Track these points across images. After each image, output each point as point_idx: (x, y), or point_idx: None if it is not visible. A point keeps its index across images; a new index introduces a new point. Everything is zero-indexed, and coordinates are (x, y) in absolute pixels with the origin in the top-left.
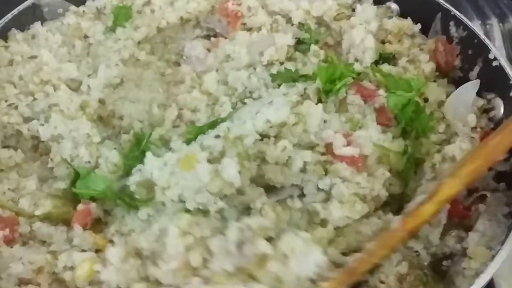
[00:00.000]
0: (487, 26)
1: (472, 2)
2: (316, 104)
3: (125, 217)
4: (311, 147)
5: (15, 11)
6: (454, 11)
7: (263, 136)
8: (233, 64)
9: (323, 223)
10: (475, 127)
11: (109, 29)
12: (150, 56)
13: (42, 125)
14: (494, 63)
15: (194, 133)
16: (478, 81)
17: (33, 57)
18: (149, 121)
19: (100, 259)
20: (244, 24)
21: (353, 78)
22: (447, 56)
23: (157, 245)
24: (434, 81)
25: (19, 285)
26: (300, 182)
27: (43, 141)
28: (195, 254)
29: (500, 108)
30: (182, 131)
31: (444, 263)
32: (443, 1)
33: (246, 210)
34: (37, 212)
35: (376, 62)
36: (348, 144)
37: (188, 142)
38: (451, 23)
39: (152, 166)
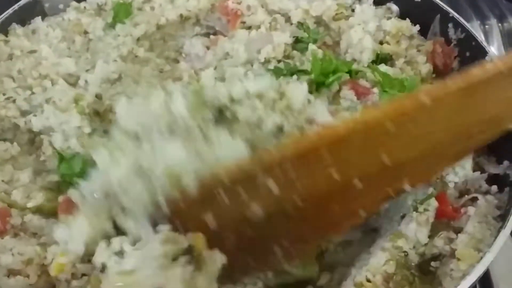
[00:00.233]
0: (486, 26)
1: (471, 2)
2: None
3: None
4: None
5: (16, 6)
6: (453, 13)
7: None
8: (231, 62)
9: None
10: None
11: (109, 25)
12: (149, 53)
13: (36, 115)
14: None
15: None
16: None
17: (33, 51)
18: None
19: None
20: (243, 22)
21: (350, 76)
22: (445, 58)
23: None
24: (431, 83)
25: (8, 276)
26: None
27: (39, 135)
28: None
29: None
30: None
31: (432, 264)
32: (442, 3)
33: None
34: (29, 205)
35: (374, 63)
36: None
37: None
38: (450, 25)
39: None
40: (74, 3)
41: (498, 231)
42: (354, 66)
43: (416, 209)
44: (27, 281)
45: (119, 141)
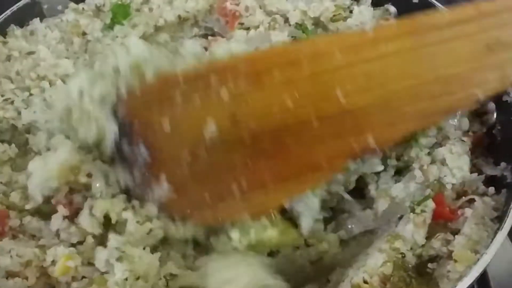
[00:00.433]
0: None
1: (470, 3)
2: None
3: None
4: None
5: (14, 8)
6: None
7: None
8: None
9: None
10: (468, 131)
11: (107, 26)
12: None
13: (25, 108)
14: None
15: None
16: None
17: (31, 53)
18: None
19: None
20: (242, 23)
21: None
22: None
23: None
24: None
25: (6, 278)
26: None
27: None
28: None
29: (493, 112)
30: None
31: (429, 265)
32: (439, 4)
33: None
34: (28, 206)
35: None
36: None
37: None
38: None
39: None
40: (73, 5)
41: (495, 233)
42: None
43: (413, 210)
44: (26, 283)
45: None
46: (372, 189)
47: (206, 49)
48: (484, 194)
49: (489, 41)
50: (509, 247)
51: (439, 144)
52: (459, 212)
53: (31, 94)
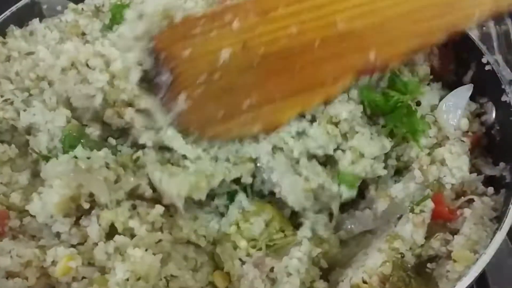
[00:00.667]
0: (483, 28)
1: None
2: None
3: None
4: None
5: (14, 8)
6: None
7: None
8: None
9: None
10: (467, 131)
11: (106, 27)
12: None
13: (25, 110)
14: (487, 68)
15: None
16: (471, 85)
17: (30, 53)
18: None
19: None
20: None
21: None
22: (442, 59)
23: None
24: (428, 84)
25: (6, 278)
26: None
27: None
28: None
29: (492, 113)
30: None
31: (429, 265)
32: None
33: None
34: (28, 207)
35: None
36: None
37: None
38: None
39: None
40: (72, 5)
41: (494, 233)
42: None
43: (412, 210)
44: (26, 283)
45: None
46: (371, 189)
47: None
48: (483, 194)
49: None
50: (508, 247)
51: (438, 145)
52: (458, 212)
53: (30, 95)
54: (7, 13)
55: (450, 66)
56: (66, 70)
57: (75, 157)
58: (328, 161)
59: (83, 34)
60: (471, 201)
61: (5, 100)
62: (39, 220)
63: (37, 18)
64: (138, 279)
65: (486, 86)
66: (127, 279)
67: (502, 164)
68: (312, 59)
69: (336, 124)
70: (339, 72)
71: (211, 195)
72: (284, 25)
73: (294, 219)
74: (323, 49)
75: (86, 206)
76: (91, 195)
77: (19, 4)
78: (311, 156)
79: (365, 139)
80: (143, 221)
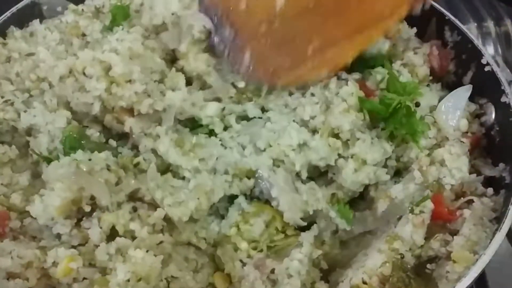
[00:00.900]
0: (483, 28)
1: (468, 4)
2: None
3: None
4: None
5: (14, 9)
6: (449, 15)
7: None
8: None
9: None
10: (466, 132)
11: (106, 27)
12: None
13: (25, 111)
14: (487, 68)
15: None
16: (470, 86)
17: (31, 54)
18: None
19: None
20: None
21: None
22: (441, 60)
23: None
24: (428, 85)
25: (7, 279)
26: None
27: (28, 136)
28: None
29: (491, 114)
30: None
31: (428, 266)
32: (438, 6)
33: None
34: (28, 208)
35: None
36: None
37: None
38: (446, 27)
39: None
40: (72, 6)
41: (494, 234)
42: None
43: (412, 211)
44: (27, 284)
45: None
46: (371, 190)
47: None
48: (482, 195)
49: None
50: (507, 247)
51: (438, 145)
52: (458, 213)
53: (31, 96)
54: (8, 14)
55: (449, 67)
56: (64, 78)
57: (76, 159)
58: (329, 170)
59: (84, 35)
60: (470, 202)
61: (6, 101)
62: (40, 222)
63: (37, 19)
64: (139, 280)
65: (485, 87)
66: (128, 280)
67: (501, 165)
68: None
69: (338, 135)
70: (395, 3)
71: None
72: None
73: None
74: None
75: (88, 209)
76: (92, 197)
77: (19, 5)
78: (312, 169)
79: (366, 145)
80: (144, 223)
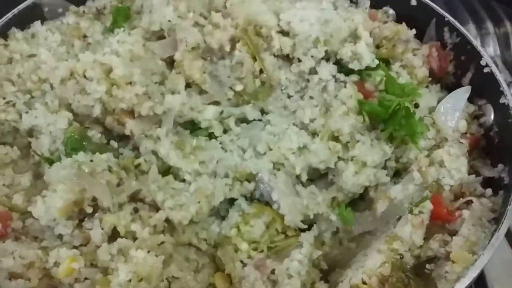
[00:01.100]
0: (483, 30)
1: (467, 6)
2: None
3: None
4: None
5: (16, 11)
6: (449, 17)
7: None
8: None
9: None
10: (465, 133)
11: (107, 29)
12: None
13: (27, 112)
14: (486, 70)
15: None
16: (469, 87)
17: (32, 55)
18: None
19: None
20: None
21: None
22: (441, 61)
23: None
24: (427, 86)
25: (9, 279)
26: None
27: (30, 137)
28: None
29: (490, 114)
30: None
31: (427, 266)
32: (438, 7)
33: None
34: (30, 208)
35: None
36: None
37: None
38: (445, 29)
39: None
40: (73, 7)
41: (492, 234)
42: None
43: (411, 212)
44: (28, 284)
45: None
46: (371, 191)
47: None
48: (481, 195)
49: None
50: (506, 248)
51: (437, 146)
52: (457, 213)
53: (32, 97)
54: (9, 15)
55: (448, 68)
56: (65, 80)
57: (78, 161)
58: (329, 172)
59: (85, 36)
60: (469, 202)
61: (7, 102)
62: (42, 223)
63: (39, 21)
64: (140, 280)
65: (484, 88)
66: (130, 280)
67: (500, 166)
68: None
69: (338, 137)
70: None
71: None
72: None
73: None
74: None
75: (89, 210)
76: (94, 199)
77: (20, 7)
78: (312, 171)
79: (366, 148)
80: (145, 224)
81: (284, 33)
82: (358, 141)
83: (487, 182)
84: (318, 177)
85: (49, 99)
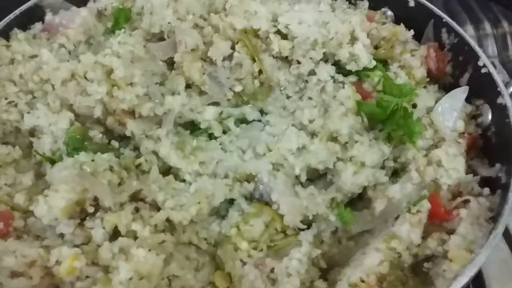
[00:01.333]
0: (480, 31)
1: (465, 7)
2: None
3: None
4: None
5: (17, 12)
6: (447, 18)
7: None
8: None
9: None
10: (463, 133)
11: (109, 30)
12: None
13: (29, 113)
14: (483, 70)
15: None
16: (467, 87)
17: (34, 56)
18: None
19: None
20: None
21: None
22: (439, 62)
23: None
24: (425, 87)
25: (11, 277)
26: None
27: (31, 137)
28: None
29: (488, 115)
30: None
31: (425, 265)
32: (436, 8)
33: None
34: (32, 207)
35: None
36: None
37: None
38: (443, 30)
39: None
40: (74, 8)
41: (490, 233)
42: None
43: (409, 211)
44: (30, 282)
45: None
46: (369, 190)
47: None
48: (479, 195)
49: None
50: (504, 246)
51: (435, 146)
52: (455, 212)
53: (34, 97)
54: (11, 16)
55: (446, 69)
56: (66, 82)
57: (80, 160)
58: (328, 172)
59: None
60: (467, 201)
61: (9, 102)
62: (44, 222)
63: (40, 22)
64: (141, 278)
65: (482, 89)
66: (131, 279)
67: (498, 165)
68: None
69: (336, 138)
70: None
71: None
72: None
73: None
74: None
75: (91, 210)
76: (95, 198)
77: (22, 8)
78: (311, 172)
79: (365, 148)
80: (146, 223)
81: (282, 35)
82: (356, 142)
83: (485, 182)
84: (317, 177)
85: (51, 100)
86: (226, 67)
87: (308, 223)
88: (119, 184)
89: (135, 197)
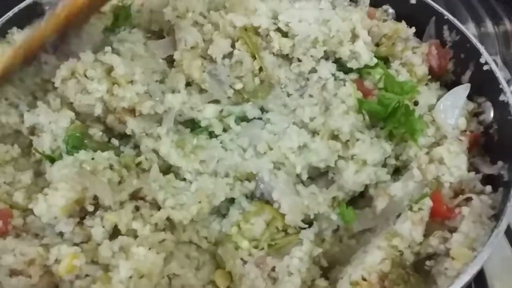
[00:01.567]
0: (482, 28)
1: (466, 4)
2: None
3: None
4: None
5: (16, 9)
6: (448, 15)
7: None
8: None
9: None
10: (465, 130)
11: (108, 28)
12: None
13: (28, 111)
14: (485, 67)
15: None
16: (468, 85)
17: None
18: None
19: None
20: None
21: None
22: (440, 59)
23: None
24: (426, 84)
25: (10, 276)
26: None
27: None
28: None
29: (490, 112)
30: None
31: (427, 263)
32: (437, 6)
33: None
34: (31, 206)
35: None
36: None
37: None
38: (445, 27)
39: None
40: None
41: (492, 231)
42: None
43: (411, 209)
44: (29, 281)
45: None
46: (371, 188)
47: None
48: (481, 192)
49: None
50: (505, 244)
51: (436, 144)
52: (457, 210)
53: (34, 97)
54: (9, 14)
55: (448, 66)
56: (66, 80)
57: (80, 159)
58: (329, 170)
59: None
60: (469, 199)
61: (10, 104)
62: (43, 221)
63: (39, 19)
64: (141, 277)
65: (484, 86)
66: (131, 277)
67: (500, 163)
68: None
69: (337, 136)
70: None
71: None
72: None
73: None
74: None
75: (91, 208)
76: (95, 197)
77: (21, 5)
78: (312, 170)
79: (366, 146)
80: (146, 222)
81: (283, 33)
82: (358, 140)
83: (487, 179)
84: (318, 175)
85: (51, 98)
86: (226, 65)
87: (309, 222)
88: (119, 183)
89: (135, 195)
